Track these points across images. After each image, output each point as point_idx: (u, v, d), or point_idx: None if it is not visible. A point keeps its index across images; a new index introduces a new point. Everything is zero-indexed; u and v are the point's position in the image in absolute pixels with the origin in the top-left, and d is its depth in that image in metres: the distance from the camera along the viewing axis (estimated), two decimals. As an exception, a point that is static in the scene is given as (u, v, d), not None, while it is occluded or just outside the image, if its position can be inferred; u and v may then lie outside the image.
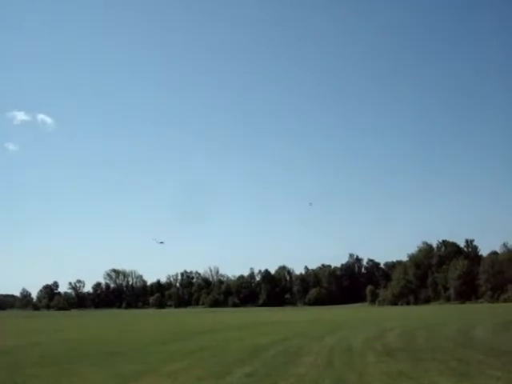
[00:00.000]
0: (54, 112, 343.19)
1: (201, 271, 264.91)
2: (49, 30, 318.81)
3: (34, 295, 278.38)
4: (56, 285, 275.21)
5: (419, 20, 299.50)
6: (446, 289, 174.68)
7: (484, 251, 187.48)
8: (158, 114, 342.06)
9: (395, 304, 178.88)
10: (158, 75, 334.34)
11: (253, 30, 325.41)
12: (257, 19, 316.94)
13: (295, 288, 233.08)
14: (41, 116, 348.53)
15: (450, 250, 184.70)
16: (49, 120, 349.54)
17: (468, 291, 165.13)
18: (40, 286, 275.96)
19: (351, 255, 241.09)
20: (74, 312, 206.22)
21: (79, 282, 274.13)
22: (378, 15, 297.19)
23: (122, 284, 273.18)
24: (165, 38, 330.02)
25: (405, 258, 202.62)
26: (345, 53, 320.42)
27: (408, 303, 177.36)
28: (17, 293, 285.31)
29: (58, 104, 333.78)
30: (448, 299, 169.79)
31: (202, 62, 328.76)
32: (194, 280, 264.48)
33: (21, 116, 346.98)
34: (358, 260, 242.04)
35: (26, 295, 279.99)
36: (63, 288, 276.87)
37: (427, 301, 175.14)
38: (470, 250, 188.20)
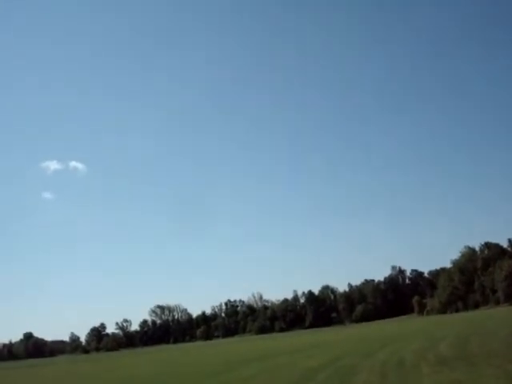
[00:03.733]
0: (85, 157, 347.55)
1: (244, 299, 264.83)
2: (73, 78, 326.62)
3: (83, 338, 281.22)
4: (103, 326, 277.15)
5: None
6: (494, 292, 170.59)
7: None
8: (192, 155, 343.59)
9: (444, 312, 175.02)
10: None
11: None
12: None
13: (340, 306, 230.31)
14: (73, 163, 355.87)
15: (494, 252, 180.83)
16: (80, 166, 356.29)
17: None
18: (88, 329, 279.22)
19: (393, 267, 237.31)
20: (123, 352, 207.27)
21: (126, 321, 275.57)
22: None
23: (167, 319, 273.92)
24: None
25: (448, 265, 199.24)
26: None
27: (457, 310, 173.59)
28: (66, 338, 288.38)
29: (88, 149, 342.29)
30: (497, 302, 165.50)
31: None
32: (239, 308, 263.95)
33: (54, 165, 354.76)
34: (401, 271, 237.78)
35: (75, 339, 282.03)
36: (110, 329, 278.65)
37: (476, 306, 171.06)
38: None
